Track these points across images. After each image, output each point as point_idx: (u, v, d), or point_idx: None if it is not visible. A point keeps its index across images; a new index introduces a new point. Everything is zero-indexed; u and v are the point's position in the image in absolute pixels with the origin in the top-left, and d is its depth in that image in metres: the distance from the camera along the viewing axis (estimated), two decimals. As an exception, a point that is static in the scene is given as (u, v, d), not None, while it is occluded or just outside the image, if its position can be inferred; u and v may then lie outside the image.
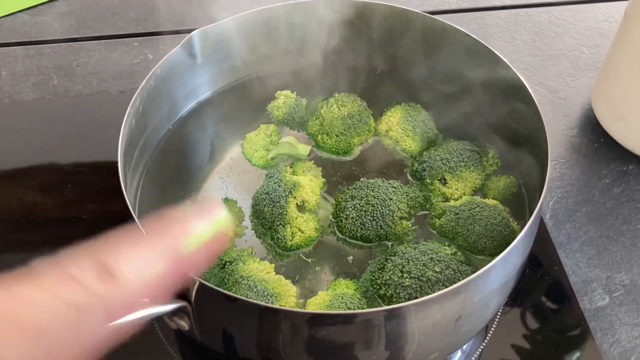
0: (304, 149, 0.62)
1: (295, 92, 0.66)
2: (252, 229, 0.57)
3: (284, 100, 0.65)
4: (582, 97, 0.80)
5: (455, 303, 0.44)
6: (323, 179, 0.59)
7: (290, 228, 0.54)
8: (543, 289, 0.62)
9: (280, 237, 0.54)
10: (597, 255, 0.65)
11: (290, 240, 0.54)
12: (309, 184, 0.57)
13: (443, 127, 0.65)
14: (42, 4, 0.91)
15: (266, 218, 0.55)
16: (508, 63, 0.59)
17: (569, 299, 0.62)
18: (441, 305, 0.43)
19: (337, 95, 0.65)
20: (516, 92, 0.58)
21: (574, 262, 0.65)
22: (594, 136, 0.76)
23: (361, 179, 0.58)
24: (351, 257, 0.55)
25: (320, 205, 0.58)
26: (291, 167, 0.59)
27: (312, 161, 0.62)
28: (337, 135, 0.62)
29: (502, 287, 0.48)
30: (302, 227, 0.55)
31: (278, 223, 0.54)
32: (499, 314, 0.60)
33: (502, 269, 0.46)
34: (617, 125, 0.73)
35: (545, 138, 0.53)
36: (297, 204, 0.56)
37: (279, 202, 0.55)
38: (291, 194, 0.55)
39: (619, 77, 0.71)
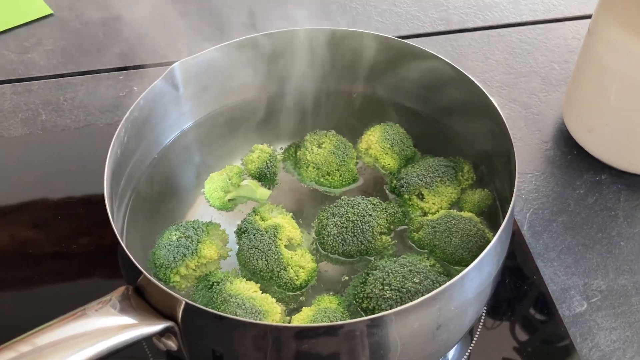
0: (262, 194, 0.62)
1: (271, 146, 0.66)
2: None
3: (258, 155, 0.64)
4: (555, 112, 0.83)
5: (432, 311, 0.46)
6: (290, 213, 0.60)
7: (292, 269, 0.55)
8: (523, 298, 0.64)
9: (286, 281, 0.55)
10: (574, 263, 0.67)
11: (297, 280, 0.55)
12: (285, 221, 0.58)
13: (420, 144, 0.67)
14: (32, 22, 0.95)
15: (264, 270, 0.55)
16: (476, 82, 0.62)
17: (548, 306, 0.63)
18: (418, 313, 0.45)
19: (308, 136, 0.66)
20: (486, 109, 0.60)
21: (552, 271, 0.67)
22: (567, 148, 0.79)
23: (342, 197, 0.60)
24: (334, 273, 0.57)
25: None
26: (257, 214, 0.59)
27: (269, 201, 0.62)
28: (338, 170, 0.64)
29: (477, 295, 0.50)
30: (301, 263, 0.56)
31: (278, 270, 0.55)
32: (481, 324, 0.62)
33: (476, 277, 0.48)
34: (588, 136, 0.76)
35: (513, 152, 0.55)
36: (285, 245, 0.57)
37: (270, 250, 0.55)
38: (276, 237, 0.56)
39: (586, 91, 0.74)
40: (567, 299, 0.64)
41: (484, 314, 0.62)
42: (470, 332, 0.61)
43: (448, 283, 0.45)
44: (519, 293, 0.65)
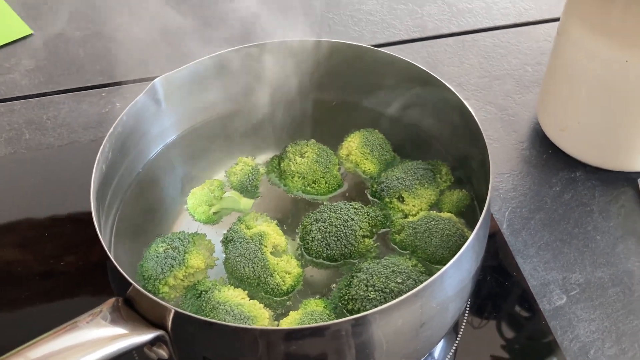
0: (246, 204, 0.64)
1: (255, 159, 0.67)
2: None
3: (241, 167, 0.66)
4: (529, 113, 0.85)
5: (414, 309, 0.47)
6: (274, 221, 0.61)
7: (278, 275, 0.56)
8: (504, 294, 0.66)
9: (273, 287, 0.56)
10: (552, 258, 0.69)
11: (284, 285, 0.56)
12: (270, 228, 0.59)
13: (399, 148, 0.69)
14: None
15: (251, 277, 0.56)
16: (451, 87, 0.63)
17: (529, 301, 0.65)
18: (401, 311, 0.47)
19: (289, 147, 0.67)
20: (461, 113, 0.62)
21: (532, 267, 0.69)
22: (543, 148, 0.81)
23: (324, 203, 0.62)
24: (319, 277, 0.58)
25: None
26: (242, 223, 0.60)
27: (253, 210, 0.64)
28: (323, 177, 0.65)
29: (458, 292, 0.51)
30: (287, 268, 0.57)
31: (265, 276, 0.56)
32: (465, 320, 0.63)
33: (456, 274, 0.50)
34: (562, 135, 0.78)
35: (487, 152, 0.57)
36: (270, 251, 0.58)
37: (256, 257, 0.56)
38: (262, 244, 0.57)
39: (558, 90, 0.76)
40: (547, 293, 0.66)
41: (467, 311, 0.64)
42: (455, 329, 0.63)
43: (428, 281, 0.46)
44: (500, 290, 0.66)
